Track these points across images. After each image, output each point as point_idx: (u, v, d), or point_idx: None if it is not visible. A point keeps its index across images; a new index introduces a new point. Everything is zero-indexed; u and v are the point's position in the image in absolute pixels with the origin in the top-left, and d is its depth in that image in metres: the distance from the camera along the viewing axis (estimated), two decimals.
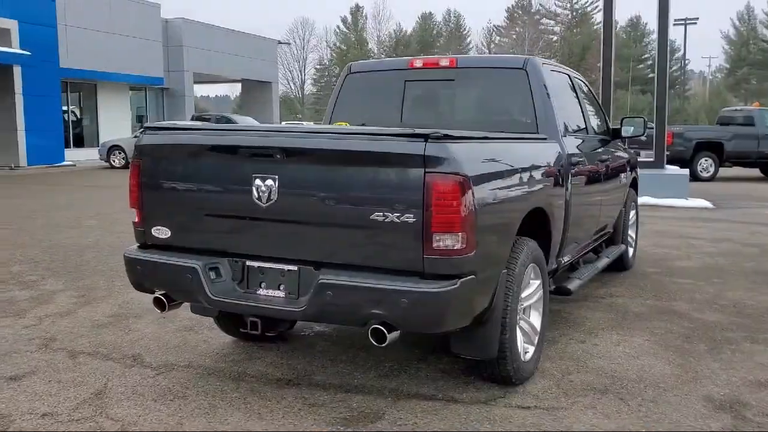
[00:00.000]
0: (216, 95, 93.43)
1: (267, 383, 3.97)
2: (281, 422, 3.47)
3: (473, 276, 3.21)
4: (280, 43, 49.15)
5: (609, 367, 4.25)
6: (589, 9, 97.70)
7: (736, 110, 21.60)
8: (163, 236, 3.71)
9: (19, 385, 3.92)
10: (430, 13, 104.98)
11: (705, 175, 18.68)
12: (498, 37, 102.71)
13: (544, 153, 4.27)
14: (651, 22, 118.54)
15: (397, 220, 3.10)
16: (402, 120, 5.00)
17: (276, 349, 4.53)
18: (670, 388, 3.93)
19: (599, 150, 5.57)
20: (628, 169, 6.60)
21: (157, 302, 3.69)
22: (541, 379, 4.04)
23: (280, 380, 4.02)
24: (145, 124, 3.78)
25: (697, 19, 50.07)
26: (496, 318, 3.55)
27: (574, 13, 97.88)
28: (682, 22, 67.50)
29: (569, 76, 5.44)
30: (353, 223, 3.22)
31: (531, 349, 3.98)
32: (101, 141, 26.81)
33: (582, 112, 5.39)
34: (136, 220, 3.80)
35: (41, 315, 5.34)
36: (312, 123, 48.58)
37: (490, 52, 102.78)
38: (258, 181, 3.36)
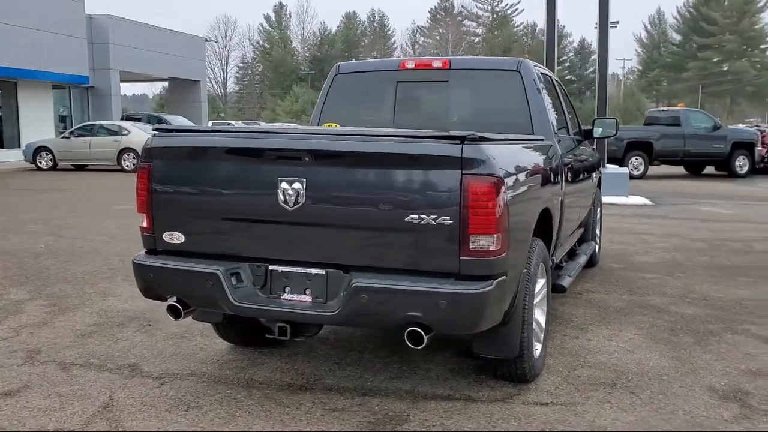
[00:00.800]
0: (134, 94, 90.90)
1: (279, 389, 3.90)
2: (307, 429, 3.42)
3: (505, 276, 3.24)
4: (207, 41, 48.24)
5: (609, 362, 4.36)
6: (509, 12, 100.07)
7: (662, 111, 22.57)
8: (176, 241, 3.59)
9: (17, 401, 3.72)
10: (355, 12, 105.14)
11: (636, 173, 19.38)
12: (422, 38, 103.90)
13: (548, 154, 4.35)
14: (568, 26, 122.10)
15: (433, 222, 3.10)
16: (394, 122, 5.00)
17: (278, 355, 4.45)
18: (673, 380, 4.07)
19: (577, 150, 5.72)
20: (597, 168, 6.81)
21: (172, 310, 3.58)
22: (549, 375, 4.12)
23: (291, 386, 3.95)
24: (155, 126, 3.65)
25: (618, 22, 51.75)
26: (517, 317, 3.60)
27: (495, 16, 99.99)
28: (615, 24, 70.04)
29: (551, 77, 5.56)
30: (386, 225, 3.21)
31: (539, 347, 4.05)
32: (23, 142, 25.63)
33: (564, 113, 5.51)
34: (145, 225, 3.66)
35: (15, 326, 5.07)
36: (241, 122, 47.86)
37: (414, 53, 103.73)
38: (284, 185, 3.29)
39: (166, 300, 3.66)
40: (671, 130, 20.00)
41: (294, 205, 3.29)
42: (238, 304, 3.42)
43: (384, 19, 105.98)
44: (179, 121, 26.04)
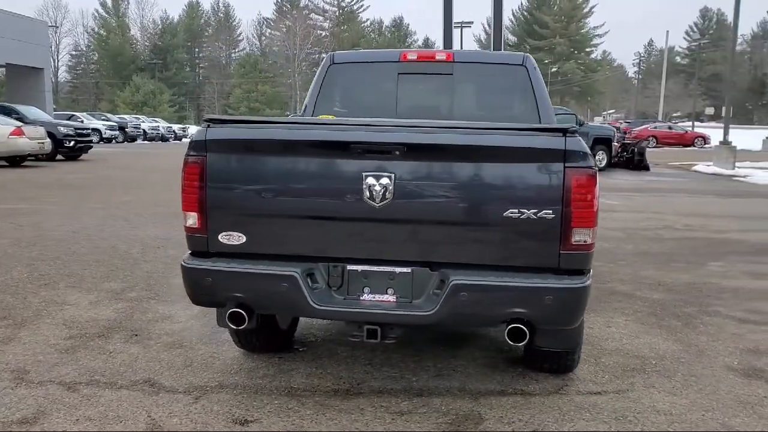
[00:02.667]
0: None
1: (328, 396, 3.70)
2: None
3: (591, 269, 3.26)
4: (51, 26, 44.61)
5: (625, 348, 4.53)
6: (356, 7, 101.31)
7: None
8: (236, 242, 3.29)
9: (44, 427, 3.27)
10: (198, 1, 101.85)
11: None
12: (269, 30, 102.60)
13: None
14: (413, 23, 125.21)
15: (534, 217, 3.05)
16: (397, 114, 4.87)
17: (300, 360, 4.22)
18: (692, 362, 4.30)
19: None
20: None
21: (234, 317, 3.28)
22: (580, 364, 4.19)
23: (338, 391, 3.76)
24: (207, 116, 3.31)
25: (472, 22, 54.03)
26: None
27: (342, 11, 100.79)
28: (459, 25, 72.45)
29: None
30: (482, 221, 3.12)
31: None
32: None
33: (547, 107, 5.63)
34: (196, 225, 3.32)
35: None
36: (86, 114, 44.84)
37: (261, 45, 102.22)
38: (371, 180, 3.10)
39: (221, 306, 3.36)
40: None
41: (381, 202, 3.11)
42: (318, 307, 3.20)
43: (229, 9, 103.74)
44: (32, 112, 23.82)
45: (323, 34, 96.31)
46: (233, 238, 3.29)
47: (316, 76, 5.02)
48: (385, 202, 3.11)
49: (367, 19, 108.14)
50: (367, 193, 3.12)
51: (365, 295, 3.27)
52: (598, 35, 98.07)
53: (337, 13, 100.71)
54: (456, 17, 14.18)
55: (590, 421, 3.43)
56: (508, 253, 3.14)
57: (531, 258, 3.13)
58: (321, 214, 3.23)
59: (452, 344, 4.52)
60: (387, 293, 3.26)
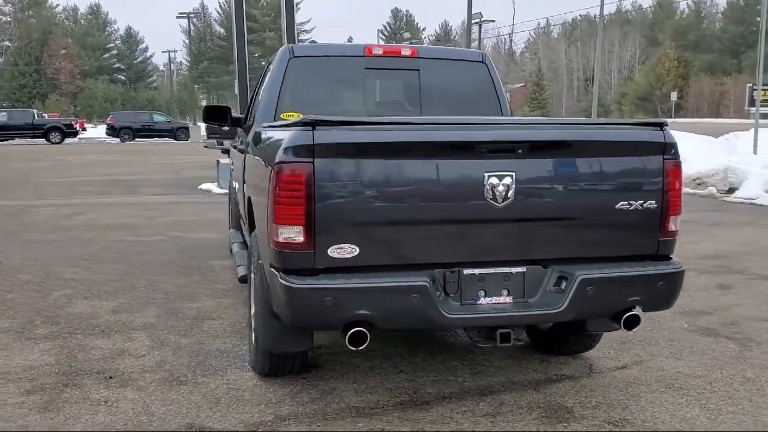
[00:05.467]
0: None
1: (400, 408, 3.52)
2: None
3: None
4: None
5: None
6: None
7: None
8: (347, 255, 2.97)
9: None
10: None
11: None
12: None
13: None
14: (111, 12, 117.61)
15: (640, 207, 3.23)
16: (365, 110, 4.70)
17: (325, 378, 3.90)
18: (659, 325, 4.81)
19: None
20: None
21: (356, 338, 2.97)
22: None
23: (403, 402, 3.59)
24: (313, 118, 2.91)
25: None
26: None
27: None
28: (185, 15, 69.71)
29: None
30: (597, 214, 3.22)
31: None
32: None
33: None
34: (301, 239, 2.93)
35: None
36: None
37: None
38: (494, 180, 3.03)
39: (334, 329, 3.02)
40: None
41: (503, 202, 3.05)
42: (450, 316, 3.04)
43: None
44: None
45: (3, 19, 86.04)
46: (345, 251, 2.97)
47: (272, 70, 4.63)
48: (506, 201, 3.06)
49: (58, 5, 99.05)
50: (489, 194, 3.04)
51: (481, 298, 3.18)
52: (305, 30, 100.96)
53: None
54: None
55: (652, 393, 3.71)
56: (616, 244, 3.28)
57: (634, 247, 3.31)
58: (440, 218, 3.07)
59: (438, 345, 4.52)
60: (503, 295, 3.20)
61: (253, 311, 3.78)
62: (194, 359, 4.18)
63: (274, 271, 3.06)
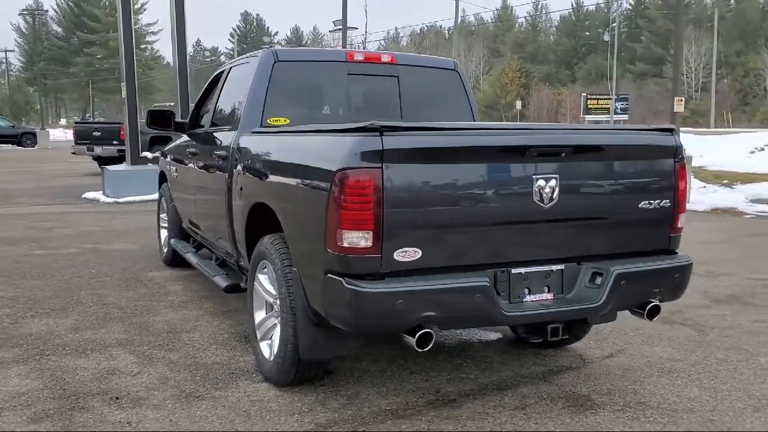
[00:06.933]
0: None
1: (433, 408, 3.58)
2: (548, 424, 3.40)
3: None
4: None
5: None
6: None
7: (166, 106, 22.74)
8: (411, 258, 3.02)
9: None
10: None
11: None
12: None
13: None
14: None
15: (658, 206, 3.52)
16: (348, 114, 4.72)
17: (353, 383, 3.89)
18: (626, 316, 5.17)
19: None
20: None
21: (424, 339, 3.02)
22: None
23: (434, 402, 3.66)
24: (379, 123, 2.91)
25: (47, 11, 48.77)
26: None
27: None
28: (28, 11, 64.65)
29: None
30: (625, 213, 3.47)
31: None
32: None
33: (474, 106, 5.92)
34: (369, 244, 2.94)
35: None
36: None
37: None
38: (541, 182, 3.20)
39: (401, 331, 3.05)
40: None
41: (549, 203, 3.23)
42: (508, 314, 3.16)
43: None
44: None
45: None
46: (409, 254, 3.02)
47: (255, 74, 4.52)
48: (552, 202, 3.24)
49: None
50: (537, 195, 3.20)
51: (527, 296, 3.32)
52: (152, 32, 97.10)
53: None
54: None
55: (650, 377, 4.02)
56: (637, 241, 3.55)
57: (651, 243, 3.59)
58: (495, 219, 3.19)
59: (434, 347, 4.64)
60: (544, 291, 3.36)
61: (279, 320, 3.69)
62: (196, 374, 4.01)
63: (335, 277, 3.03)
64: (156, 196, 11.69)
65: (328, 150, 3.19)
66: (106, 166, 13.75)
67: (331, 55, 4.87)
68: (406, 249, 3.01)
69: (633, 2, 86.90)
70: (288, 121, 4.50)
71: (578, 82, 79.57)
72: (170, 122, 6.05)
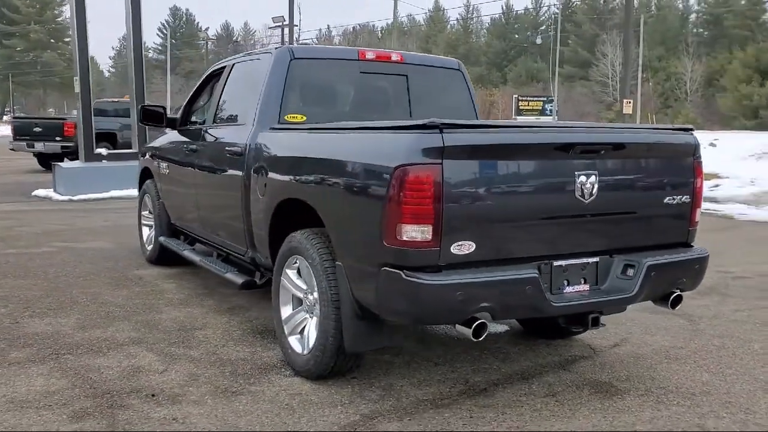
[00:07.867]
0: None
1: (466, 397, 3.71)
2: (585, 420, 3.56)
3: None
4: None
5: None
6: None
7: (113, 102, 22.05)
8: (465, 252, 3.13)
9: None
10: None
11: None
12: None
13: None
14: None
15: (680, 202, 3.74)
16: (363, 111, 4.79)
17: (384, 375, 3.98)
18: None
19: None
20: None
21: (479, 329, 3.14)
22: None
23: (466, 392, 3.79)
24: (439, 121, 3.01)
25: None
26: None
27: None
28: None
29: None
30: (652, 208, 3.67)
31: None
32: None
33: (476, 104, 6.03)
34: (428, 238, 3.04)
35: None
36: None
37: None
38: (582, 178, 3.36)
39: (458, 322, 3.16)
40: (128, 121, 20.00)
41: (589, 198, 3.39)
42: (555, 304, 3.31)
43: None
44: None
45: None
46: (464, 248, 3.13)
47: (270, 71, 4.53)
48: (592, 198, 3.41)
49: None
50: (579, 191, 3.36)
51: (567, 287, 3.48)
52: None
53: None
54: None
55: (660, 364, 4.25)
56: (662, 234, 3.75)
57: (671, 236, 3.81)
58: (541, 214, 3.34)
59: (436, 340, 4.76)
60: (581, 283, 3.52)
61: (315, 314, 3.74)
62: (224, 370, 4.01)
63: (393, 270, 3.11)
64: (121, 193, 11.72)
65: (385, 147, 3.27)
66: (59, 163, 13.32)
67: (344, 53, 4.93)
68: (462, 242, 3.11)
69: (560, 6, 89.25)
70: (305, 118, 4.54)
71: (509, 84, 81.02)
72: (162, 118, 6.00)
